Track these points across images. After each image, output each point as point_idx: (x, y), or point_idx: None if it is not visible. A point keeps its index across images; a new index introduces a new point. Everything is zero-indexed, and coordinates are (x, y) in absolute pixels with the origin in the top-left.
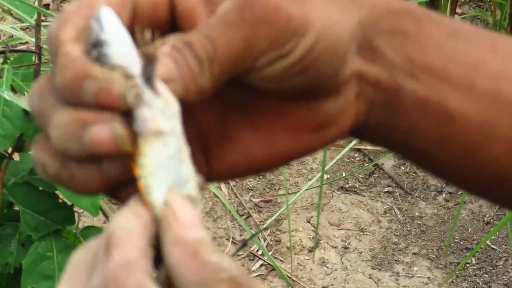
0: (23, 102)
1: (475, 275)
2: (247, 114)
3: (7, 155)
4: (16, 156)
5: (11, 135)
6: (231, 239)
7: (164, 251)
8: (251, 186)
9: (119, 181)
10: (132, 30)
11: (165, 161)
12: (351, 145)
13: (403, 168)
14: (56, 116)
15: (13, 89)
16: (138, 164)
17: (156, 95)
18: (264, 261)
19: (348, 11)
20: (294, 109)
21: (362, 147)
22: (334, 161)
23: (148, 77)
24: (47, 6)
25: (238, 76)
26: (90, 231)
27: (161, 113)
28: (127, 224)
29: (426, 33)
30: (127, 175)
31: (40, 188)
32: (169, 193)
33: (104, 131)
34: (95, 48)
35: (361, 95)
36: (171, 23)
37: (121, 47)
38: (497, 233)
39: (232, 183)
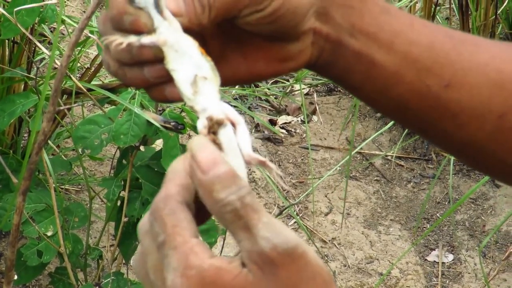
0: (146, 115)
1: (429, 235)
2: (239, 45)
3: (135, 147)
4: (142, 148)
5: (138, 135)
6: (277, 205)
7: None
8: (291, 171)
9: (153, 82)
10: None
11: (179, 59)
12: (356, 150)
13: (387, 165)
14: (115, 37)
15: (142, 106)
16: (165, 64)
17: (163, 18)
18: (296, 221)
19: None
20: (269, 46)
21: (362, 151)
22: (344, 159)
23: (157, 5)
24: None
25: (229, 19)
26: None
27: (167, 29)
28: (176, 167)
29: (366, 8)
30: (157, 78)
31: (155, 169)
32: (190, 143)
33: (146, 42)
34: None
35: (315, 44)
36: None
37: None
38: (445, 209)
39: (279, 169)
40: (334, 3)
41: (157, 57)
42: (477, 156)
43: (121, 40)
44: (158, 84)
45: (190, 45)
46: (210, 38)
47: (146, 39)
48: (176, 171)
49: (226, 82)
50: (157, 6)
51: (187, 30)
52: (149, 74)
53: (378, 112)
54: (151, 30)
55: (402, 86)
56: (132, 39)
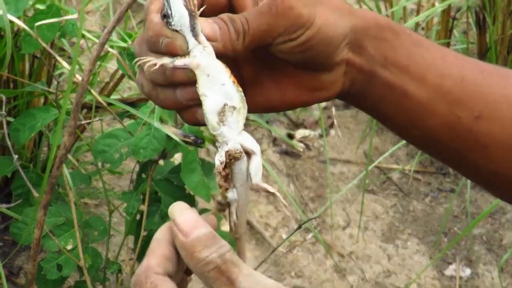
0: (166, 129)
1: (448, 250)
2: (272, 72)
3: (154, 161)
4: (161, 162)
5: (157, 149)
6: (295, 219)
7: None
8: (309, 185)
9: (185, 104)
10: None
11: (209, 84)
12: (374, 164)
13: (404, 179)
14: (148, 59)
15: (161, 120)
16: (197, 88)
17: (197, 42)
18: (314, 235)
19: (344, 18)
20: (301, 75)
21: (380, 165)
22: (362, 174)
23: (193, 29)
24: None
25: (262, 47)
26: (205, 212)
27: (200, 53)
28: (157, 236)
29: (399, 41)
30: (189, 101)
31: (175, 183)
32: (170, 209)
33: (179, 64)
34: (165, 17)
35: (348, 74)
36: (230, 9)
37: (178, 19)
38: (464, 223)
39: (297, 183)
40: (367, 35)
41: (190, 79)
42: (505, 187)
43: (155, 61)
44: (190, 106)
45: (222, 71)
46: (244, 64)
47: (179, 61)
48: (158, 241)
49: (259, 109)
50: (193, 29)
51: (222, 55)
52: (181, 96)
53: (409, 143)
54: (185, 53)
55: (433, 117)
56: (166, 60)
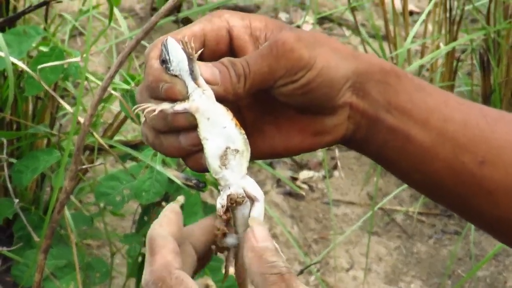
0: (168, 172)
1: None
2: (275, 117)
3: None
4: (163, 204)
5: (159, 192)
6: (298, 261)
7: (242, 253)
8: (312, 227)
9: (189, 150)
10: (201, 56)
11: (211, 128)
12: (378, 205)
13: (408, 221)
14: (148, 105)
15: (164, 163)
16: (198, 132)
17: (197, 86)
18: (316, 276)
19: (347, 60)
20: (304, 119)
21: (384, 207)
22: (366, 215)
23: (191, 73)
24: None
25: (264, 90)
26: None
27: (199, 97)
28: (161, 233)
29: (402, 86)
30: (192, 147)
31: None
32: (251, 220)
33: (179, 109)
34: (163, 63)
35: (351, 118)
36: (230, 53)
37: (176, 63)
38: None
39: (300, 224)
40: (371, 79)
41: (191, 124)
42: (511, 233)
43: (154, 107)
44: (194, 152)
45: (223, 114)
46: (246, 109)
47: (179, 106)
48: (165, 237)
49: (262, 155)
50: (192, 73)
51: (223, 99)
52: (184, 142)
53: (413, 188)
54: (185, 97)
55: (437, 162)
56: (166, 106)
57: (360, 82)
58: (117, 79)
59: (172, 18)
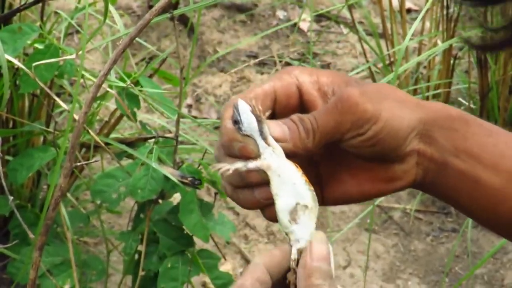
0: (164, 169)
1: None
2: (348, 166)
3: (152, 201)
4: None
5: (155, 189)
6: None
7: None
8: None
9: (263, 203)
10: (274, 111)
11: (281, 184)
12: (376, 203)
13: (405, 219)
14: (224, 162)
15: (160, 160)
16: (270, 188)
17: (267, 145)
18: None
19: (411, 110)
20: (375, 167)
21: (381, 204)
22: (363, 213)
23: (261, 133)
24: (189, 105)
25: (333, 143)
26: (203, 253)
27: (270, 155)
28: (257, 260)
29: (471, 131)
30: (266, 200)
31: (173, 223)
32: (314, 235)
33: (252, 167)
34: (236, 123)
35: (419, 164)
36: (300, 107)
37: (247, 125)
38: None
39: None
40: (437, 126)
41: (264, 180)
42: None
43: (228, 167)
44: (270, 204)
45: (293, 171)
46: (322, 160)
47: (252, 164)
48: (256, 265)
49: (338, 201)
50: (261, 133)
51: (293, 154)
52: (259, 195)
53: (487, 229)
54: (257, 156)
55: (509, 202)
56: (239, 164)
57: (426, 129)
58: (113, 76)
59: (167, 15)
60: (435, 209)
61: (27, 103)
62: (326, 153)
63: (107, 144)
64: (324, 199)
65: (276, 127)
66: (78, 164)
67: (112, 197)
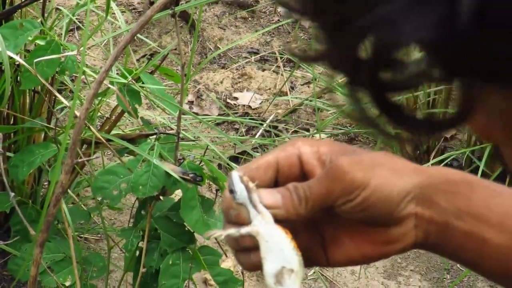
0: (165, 166)
1: (449, 286)
2: (346, 229)
3: (154, 198)
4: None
5: (156, 186)
6: None
7: None
8: None
9: (260, 266)
10: (275, 180)
11: (269, 249)
12: None
13: None
14: (226, 227)
15: (161, 157)
16: (259, 252)
17: (257, 213)
18: (315, 270)
19: (408, 176)
20: (372, 231)
21: None
22: None
23: (251, 201)
24: (191, 102)
25: (325, 209)
26: (204, 249)
27: (259, 222)
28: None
29: (475, 194)
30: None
31: (174, 220)
32: None
33: (244, 233)
34: (231, 192)
35: (418, 227)
36: (302, 176)
37: (240, 193)
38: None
39: None
40: (437, 190)
41: (256, 245)
42: None
43: (220, 233)
44: None
45: (281, 236)
46: (324, 223)
47: (243, 230)
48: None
49: (340, 263)
50: (251, 201)
51: (286, 220)
52: (255, 259)
53: (499, 285)
54: (249, 222)
55: None
56: (232, 231)
57: (424, 193)
58: (114, 73)
59: (169, 12)
60: None
61: (28, 100)
62: (327, 216)
63: (108, 140)
64: (328, 260)
65: (267, 195)
66: (79, 160)
67: (113, 193)
